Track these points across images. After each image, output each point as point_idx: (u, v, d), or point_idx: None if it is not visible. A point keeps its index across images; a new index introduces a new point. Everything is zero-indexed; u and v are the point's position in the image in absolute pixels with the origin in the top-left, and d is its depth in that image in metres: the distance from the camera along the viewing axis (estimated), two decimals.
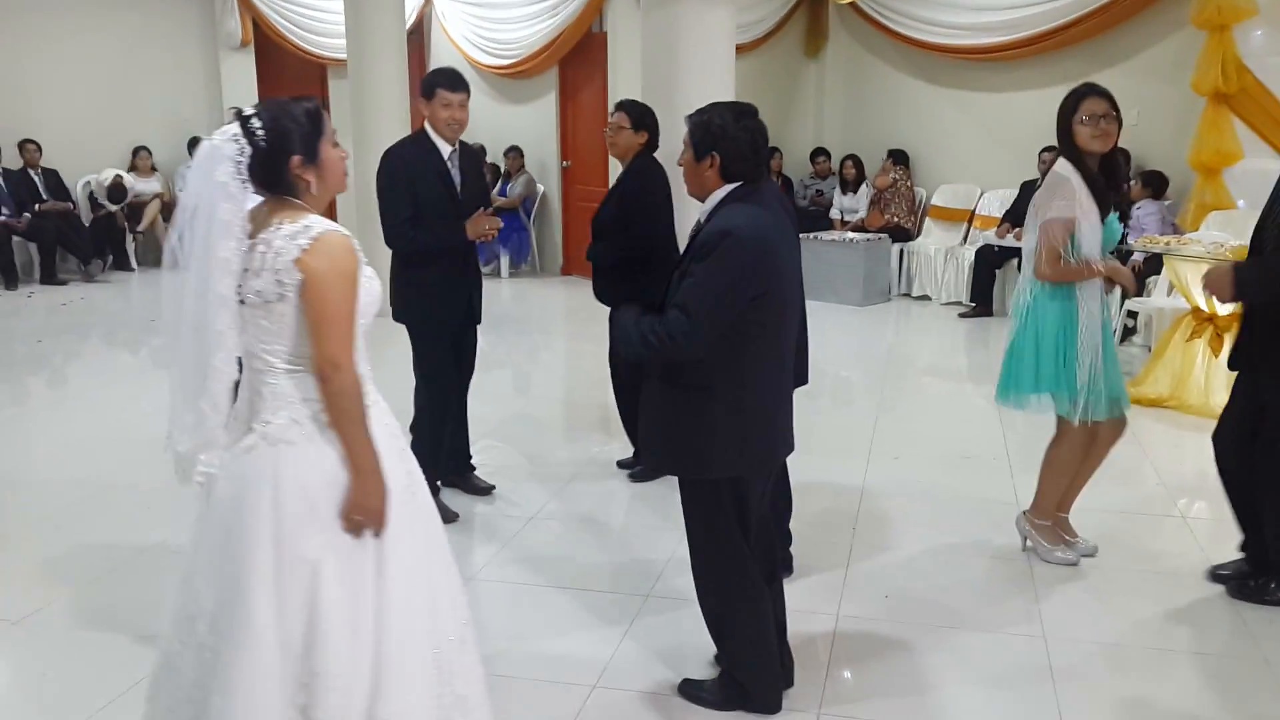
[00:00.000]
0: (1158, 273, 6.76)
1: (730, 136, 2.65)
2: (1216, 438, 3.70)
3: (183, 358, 2.18)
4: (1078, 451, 3.81)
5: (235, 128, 2.15)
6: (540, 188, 10.72)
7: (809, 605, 3.54)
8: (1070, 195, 3.52)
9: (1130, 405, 3.88)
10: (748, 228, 2.56)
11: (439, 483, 4.37)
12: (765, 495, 2.88)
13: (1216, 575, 3.70)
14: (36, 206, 10.11)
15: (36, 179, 10.29)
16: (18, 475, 5.00)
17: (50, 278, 10.00)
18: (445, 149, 4.11)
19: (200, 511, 2.25)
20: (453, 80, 4.09)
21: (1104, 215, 3.55)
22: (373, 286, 2.24)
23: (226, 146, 2.12)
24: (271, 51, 12.23)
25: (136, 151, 11.00)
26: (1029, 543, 3.94)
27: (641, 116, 4.57)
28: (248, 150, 2.13)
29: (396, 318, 4.21)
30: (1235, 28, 7.09)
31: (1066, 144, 3.60)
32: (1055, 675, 3.10)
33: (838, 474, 4.78)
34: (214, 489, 2.20)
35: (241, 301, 2.13)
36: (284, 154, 2.16)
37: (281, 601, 2.11)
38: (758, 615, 2.83)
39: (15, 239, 9.93)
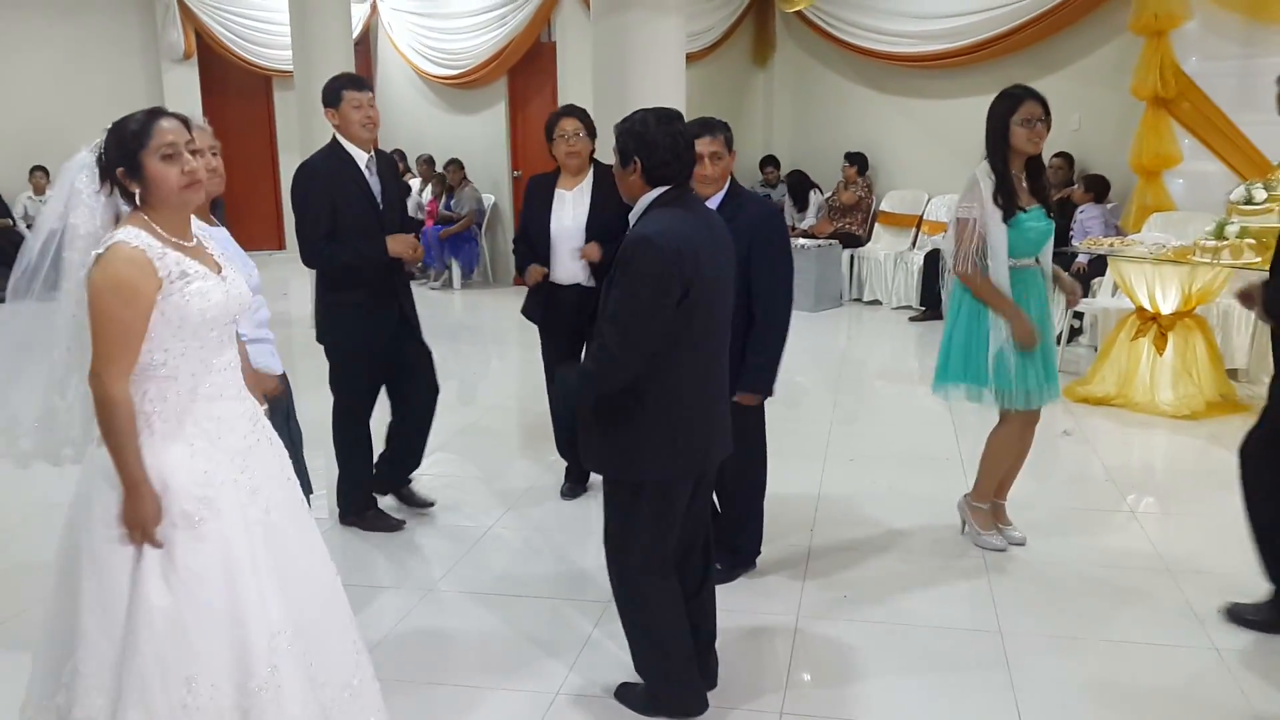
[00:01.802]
0: (1102, 274, 6.88)
1: (651, 140, 2.63)
2: (1244, 452, 3.48)
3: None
4: (1013, 439, 3.97)
5: (98, 139, 2.24)
6: (490, 198, 10.67)
7: (769, 607, 3.55)
8: (977, 197, 3.69)
9: (1053, 398, 3.95)
10: (664, 233, 2.55)
11: (374, 496, 4.29)
12: (691, 496, 2.83)
13: (1238, 617, 3.42)
14: None
15: None
16: None
17: None
18: (361, 157, 3.94)
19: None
20: (356, 80, 3.99)
21: (1008, 216, 3.66)
22: (201, 300, 2.20)
23: (87, 156, 2.23)
24: (215, 63, 12.08)
25: (33, 172, 10.47)
26: (966, 526, 4.09)
27: (591, 122, 4.57)
28: (95, 156, 2.23)
29: (318, 339, 4.09)
30: (1172, 33, 7.25)
31: (998, 143, 3.69)
32: (1011, 667, 3.14)
33: (795, 478, 4.78)
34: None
35: None
36: (111, 165, 2.21)
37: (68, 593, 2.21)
38: (668, 616, 2.79)
39: None
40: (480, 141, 10.79)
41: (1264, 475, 3.35)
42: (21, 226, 10.25)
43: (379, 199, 3.99)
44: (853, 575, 3.82)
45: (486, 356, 8.14)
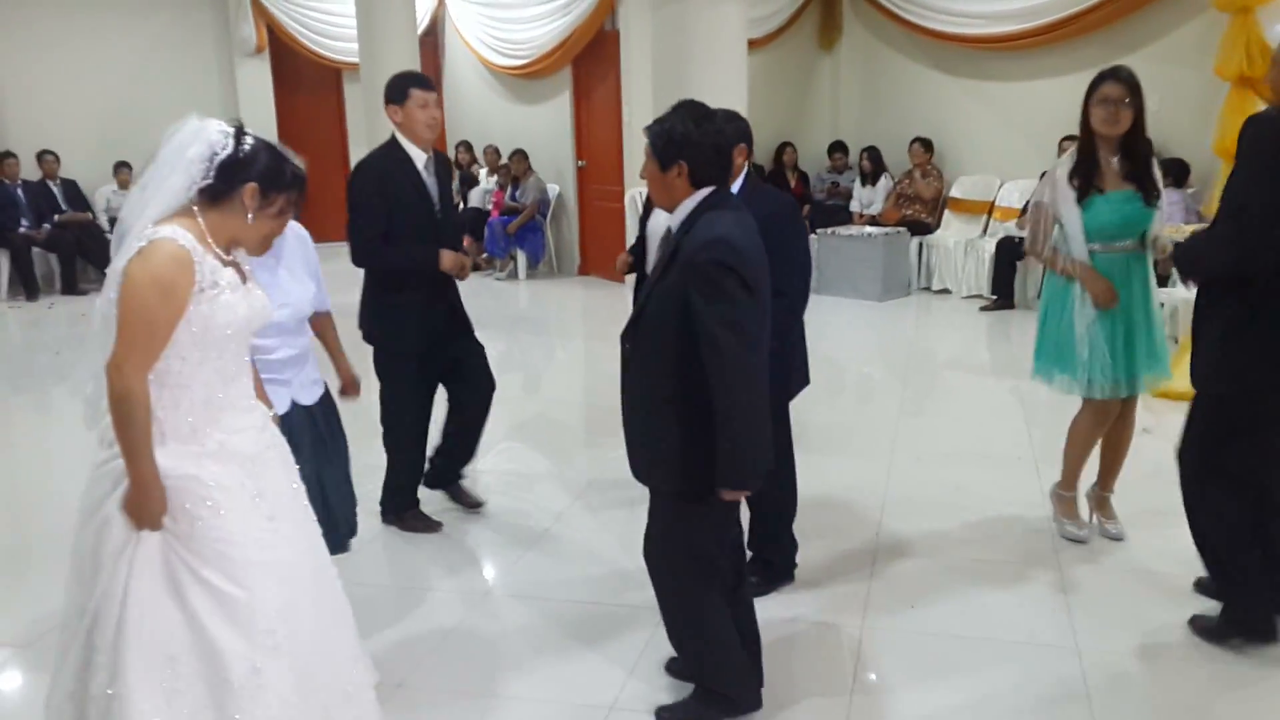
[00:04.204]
0: None
1: (695, 142, 2.55)
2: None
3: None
4: (1089, 426, 3.93)
5: (229, 128, 2.20)
6: (555, 189, 10.68)
7: (832, 617, 3.46)
8: (1050, 180, 3.75)
9: (1148, 388, 3.91)
10: (738, 234, 2.48)
11: (417, 497, 4.28)
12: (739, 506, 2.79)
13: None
14: (56, 217, 10.17)
15: (55, 190, 10.35)
16: (41, 490, 5.00)
17: (71, 288, 10.04)
18: (420, 158, 3.88)
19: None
20: (422, 80, 3.93)
21: (1083, 197, 3.66)
22: (229, 312, 2.19)
23: (214, 134, 2.18)
24: (287, 57, 12.25)
25: (118, 168, 10.60)
26: (1056, 514, 4.11)
27: None
28: (229, 149, 2.18)
29: (365, 338, 4.05)
30: (1259, 10, 6.94)
31: (1084, 124, 3.71)
32: (1089, 688, 3.02)
33: (860, 476, 4.70)
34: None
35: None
36: (248, 176, 2.19)
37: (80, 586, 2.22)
38: (725, 619, 2.75)
39: (35, 250, 10.00)
40: (545, 132, 10.79)
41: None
42: (103, 220, 10.52)
43: (436, 201, 3.96)
44: (920, 580, 3.72)
45: (551, 348, 8.15)
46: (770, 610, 3.43)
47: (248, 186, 2.20)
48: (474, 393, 4.24)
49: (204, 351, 2.20)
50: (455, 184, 10.52)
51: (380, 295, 4.00)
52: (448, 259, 3.91)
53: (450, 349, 4.13)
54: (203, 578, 2.17)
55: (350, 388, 3.39)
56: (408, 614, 3.56)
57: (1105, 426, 3.95)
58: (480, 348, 4.24)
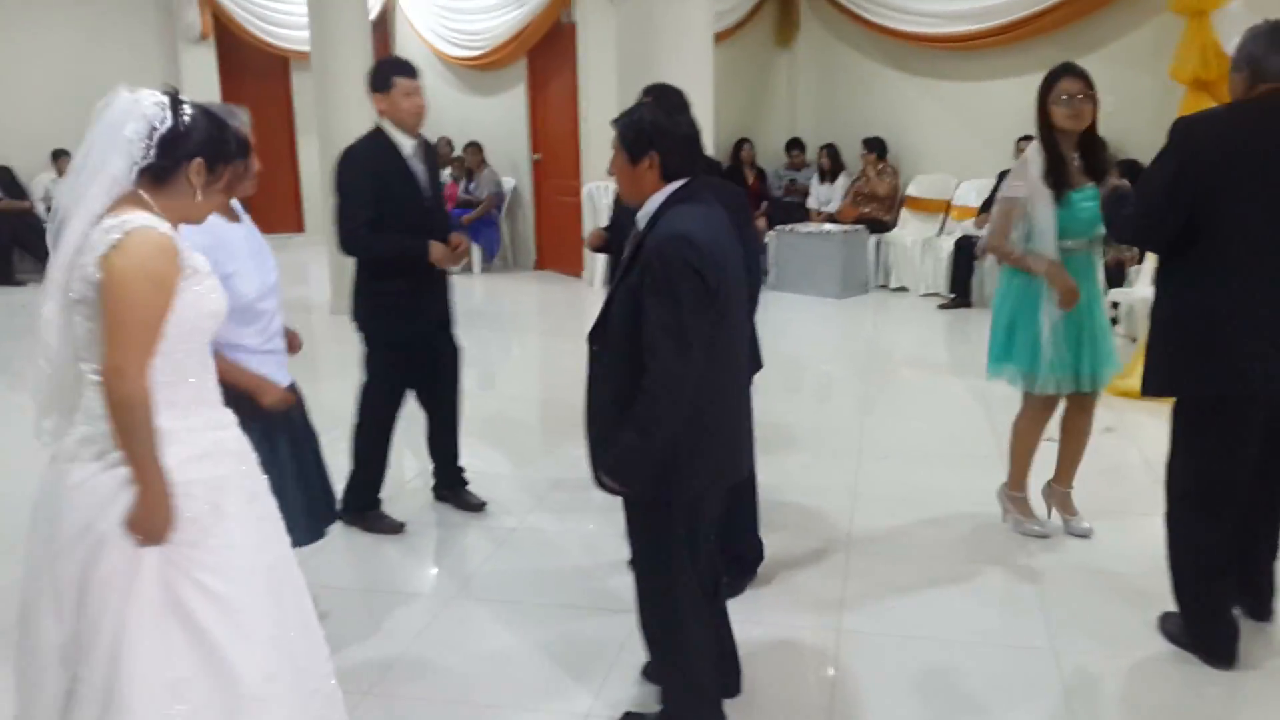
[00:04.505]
0: (1139, 262, 6.70)
1: (666, 132, 2.45)
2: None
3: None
4: (1031, 422, 3.97)
5: (163, 98, 2.02)
6: (511, 182, 10.54)
7: (808, 620, 3.41)
8: (1024, 176, 3.69)
9: (1103, 384, 3.91)
10: (702, 231, 2.36)
11: (378, 497, 4.19)
12: (716, 513, 2.68)
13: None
14: None
15: None
16: None
17: (7, 279, 9.73)
18: (406, 145, 3.85)
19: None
20: (407, 67, 3.88)
21: (1059, 196, 3.63)
22: (210, 300, 2.08)
23: (149, 107, 1.99)
24: (232, 44, 11.97)
25: (56, 156, 10.33)
26: (1006, 515, 4.10)
27: None
28: (167, 123, 2.00)
29: (357, 326, 4.01)
30: (1214, 13, 7.02)
31: (1042, 123, 3.69)
32: (1066, 685, 3.00)
33: (828, 477, 4.66)
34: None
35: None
36: (192, 150, 2.04)
37: (60, 619, 2.01)
38: (700, 635, 2.63)
39: None
40: (500, 125, 10.65)
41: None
42: (40, 209, 10.17)
43: (425, 189, 3.91)
44: (895, 583, 3.67)
45: (507, 344, 8.02)
46: (745, 614, 3.38)
47: (193, 163, 2.04)
48: (446, 395, 4.21)
49: (189, 344, 2.07)
50: (447, 173, 10.33)
51: (369, 283, 3.95)
52: (436, 250, 3.85)
53: (432, 346, 4.09)
54: (207, 588, 2.03)
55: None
56: (373, 618, 3.44)
57: (1046, 422, 3.97)
58: (456, 349, 4.20)
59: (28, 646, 2.09)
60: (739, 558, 3.57)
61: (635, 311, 2.38)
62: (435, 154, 4.21)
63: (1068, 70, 3.66)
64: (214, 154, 2.08)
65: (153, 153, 1.99)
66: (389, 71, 3.82)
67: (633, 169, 2.47)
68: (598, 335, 2.56)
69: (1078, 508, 4.07)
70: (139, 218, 1.97)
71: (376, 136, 3.86)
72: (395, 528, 4.12)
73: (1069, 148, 3.69)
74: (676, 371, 2.32)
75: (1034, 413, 3.95)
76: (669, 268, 2.31)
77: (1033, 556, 3.84)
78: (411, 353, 4.03)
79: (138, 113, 1.99)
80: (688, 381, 2.34)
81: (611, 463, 2.42)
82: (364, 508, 4.13)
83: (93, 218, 1.98)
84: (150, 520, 1.98)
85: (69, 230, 1.99)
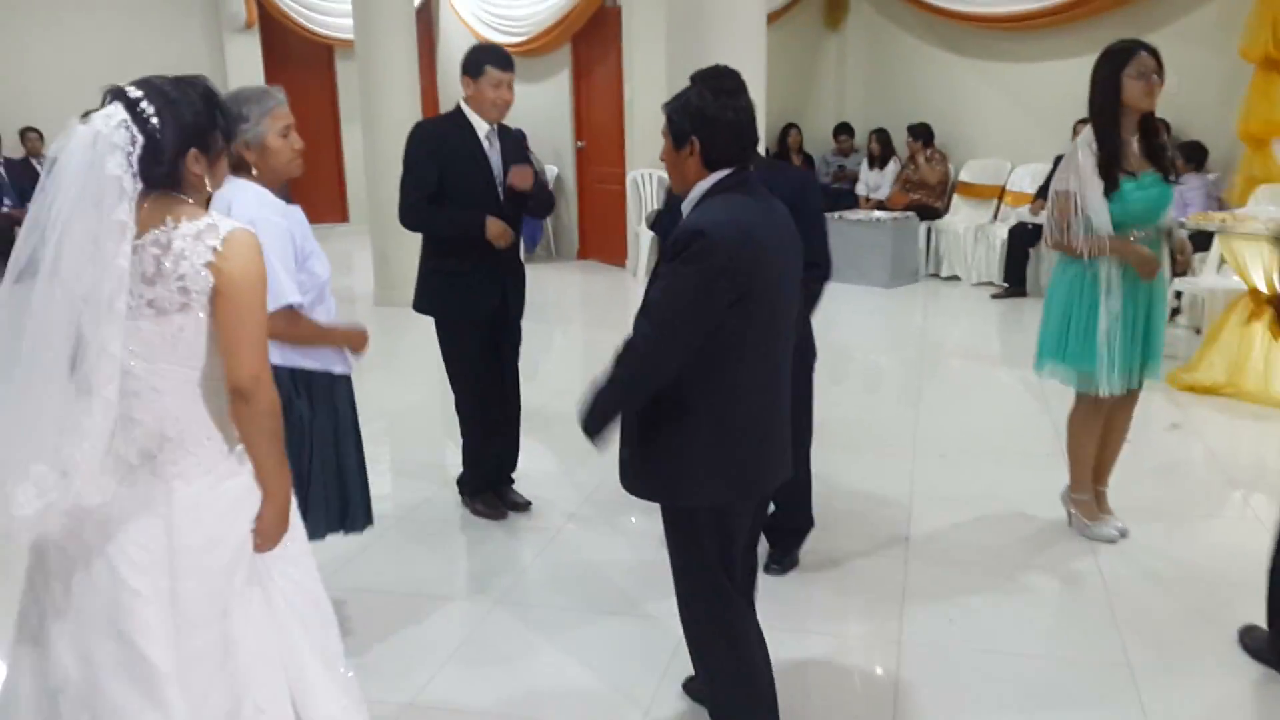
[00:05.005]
0: (1206, 250, 6.45)
1: (710, 117, 2.27)
2: None
3: (34, 393, 1.81)
4: (1089, 422, 3.79)
5: (121, 113, 1.82)
6: (553, 170, 10.43)
7: (869, 628, 3.27)
8: (1073, 169, 3.50)
9: (1152, 377, 3.75)
10: (723, 225, 2.20)
11: (490, 482, 4.22)
12: (752, 523, 2.54)
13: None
14: None
15: (39, 168, 10.06)
16: None
17: None
18: (482, 128, 3.83)
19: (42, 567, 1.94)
20: (503, 58, 3.85)
21: (1110, 189, 3.44)
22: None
23: (116, 134, 1.79)
24: (277, 33, 11.99)
25: (24, 133, 10.01)
26: (1071, 519, 3.92)
27: None
28: (139, 140, 1.81)
29: (416, 308, 3.97)
30: None
31: (1108, 102, 3.45)
32: (1143, 705, 2.84)
33: (883, 475, 4.50)
34: (74, 536, 1.89)
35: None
36: (181, 143, 1.88)
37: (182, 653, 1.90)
38: (740, 649, 2.47)
39: (19, 230, 9.71)
40: (544, 112, 10.52)
41: None
42: None
43: (497, 171, 3.86)
44: (956, 591, 3.50)
45: (549, 336, 7.92)
46: (797, 621, 3.25)
47: (188, 154, 1.89)
48: (507, 385, 4.17)
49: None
50: (536, 163, 10.20)
51: (433, 259, 3.94)
52: (494, 226, 3.79)
53: (495, 332, 4.03)
54: (294, 579, 2.08)
55: None
56: (414, 624, 3.34)
57: (1102, 418, 3.79)
58: (516, 337, 4.15)
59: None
60: (796, 530, 3.62)
61: None
62: (520, 144, 4.17)
63: (1143, 45, 3.46)
64: (199, 138, 1.92)
65: (137, 173, 1.82)
66: (484, 59, 3.81)
67: (676, 155, 2.35)
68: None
69: (1112, 506, 3.90)
70: (221, 219, 1.91)
71: (454, 115, 3.88)
72: (499, 515, 4.16)
73: (1130, 130, 3.49)
74: (638, 346, 2.25)
75: (1088, 409, 3.78)
76: (679, 259, 2.20)
77: (1101, 562, 3.66)
78: (478, 337, 3.97)
79: (105, 145, 1.79)
80: (647, 363, 2.26)
81: (584, 410, 2.41)
82: (473, 492, 4.22)
83: (130, 246, 1.81)
84: (280, 525, 2.01)
85: (112, 270, 1.78)
